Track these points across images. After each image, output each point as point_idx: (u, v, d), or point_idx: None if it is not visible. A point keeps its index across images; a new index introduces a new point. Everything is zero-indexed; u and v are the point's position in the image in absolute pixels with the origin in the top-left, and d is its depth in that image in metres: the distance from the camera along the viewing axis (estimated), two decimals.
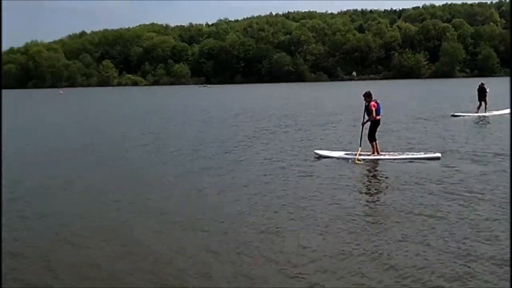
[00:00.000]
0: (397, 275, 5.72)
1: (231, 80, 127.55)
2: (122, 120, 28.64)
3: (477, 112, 24.30)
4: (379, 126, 13.44)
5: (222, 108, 36.37)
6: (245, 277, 5.83)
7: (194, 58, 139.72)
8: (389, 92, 49.03)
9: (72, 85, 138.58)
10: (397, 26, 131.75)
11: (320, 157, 13.46)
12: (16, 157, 15.69)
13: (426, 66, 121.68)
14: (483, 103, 24.45)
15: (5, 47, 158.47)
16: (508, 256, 6.05)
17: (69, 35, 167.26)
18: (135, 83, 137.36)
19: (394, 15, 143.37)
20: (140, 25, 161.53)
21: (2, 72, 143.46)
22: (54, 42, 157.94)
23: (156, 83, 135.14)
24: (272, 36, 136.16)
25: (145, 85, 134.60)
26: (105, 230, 7.75)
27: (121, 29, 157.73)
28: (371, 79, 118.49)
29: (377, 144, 13.27)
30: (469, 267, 5.85)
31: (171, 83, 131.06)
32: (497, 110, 24.75)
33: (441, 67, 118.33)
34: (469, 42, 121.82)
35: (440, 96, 43.11)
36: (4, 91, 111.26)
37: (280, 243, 6.87)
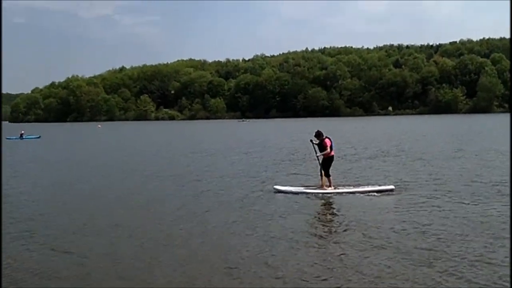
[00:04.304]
0: None
1: (266, 115, 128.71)
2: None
3: None
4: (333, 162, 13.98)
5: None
6: None
7: (230, 93, 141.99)
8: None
9: (110, 119, 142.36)
10: (434, 61, 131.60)
11: (279, 191, 13.81)
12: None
13: (464, 101, 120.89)
14: None
15: (46, 82, 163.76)
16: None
17: (109, 70, 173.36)
18: (171, 118, 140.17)
19: (431, 50, 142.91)
20: (178, 60, 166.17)
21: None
22: (94, 77, 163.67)
23: (192, 117, 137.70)
24: (308, 71, 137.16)
25: (182, 119, 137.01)
26: None
27: (159, 64, 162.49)
28: (407, 114, 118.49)
29: (331, 179, 13.67)
30: None
31: (207, 118, 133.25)
32: None
33: (479, 102, 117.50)
34: (507, 77, 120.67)
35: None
36: (48, 125, 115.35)
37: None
